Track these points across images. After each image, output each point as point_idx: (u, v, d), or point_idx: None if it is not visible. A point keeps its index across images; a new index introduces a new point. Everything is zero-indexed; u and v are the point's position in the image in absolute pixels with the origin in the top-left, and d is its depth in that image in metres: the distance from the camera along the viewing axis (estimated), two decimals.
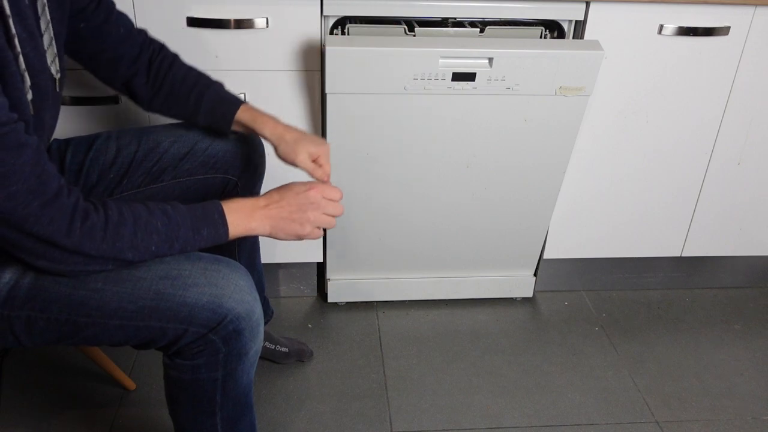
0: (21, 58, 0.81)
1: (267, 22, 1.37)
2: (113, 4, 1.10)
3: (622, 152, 1.61)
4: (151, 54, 1.14)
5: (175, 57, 1.17)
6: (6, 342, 0.91)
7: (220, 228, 0.93)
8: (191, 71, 1.17)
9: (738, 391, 1.55)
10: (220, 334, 0.91)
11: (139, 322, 0.89)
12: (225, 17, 1.35)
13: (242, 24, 1.36)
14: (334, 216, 1.01)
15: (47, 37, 0.90)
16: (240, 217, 0.95)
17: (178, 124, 1.22)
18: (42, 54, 0.88)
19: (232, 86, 1.42)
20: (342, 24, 1.42)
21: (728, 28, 1.46)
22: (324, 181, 1.12)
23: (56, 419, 1.38)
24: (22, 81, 0.82)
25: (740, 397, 1.54)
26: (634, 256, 1.80)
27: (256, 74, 1.43)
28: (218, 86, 1.18)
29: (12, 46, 0.80)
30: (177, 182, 1.20)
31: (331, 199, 1.00)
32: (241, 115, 1.17)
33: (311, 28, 1.39)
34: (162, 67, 1.14)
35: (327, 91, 1.36)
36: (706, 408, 1.50)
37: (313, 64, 1.43)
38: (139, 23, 1.34)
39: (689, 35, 1.46)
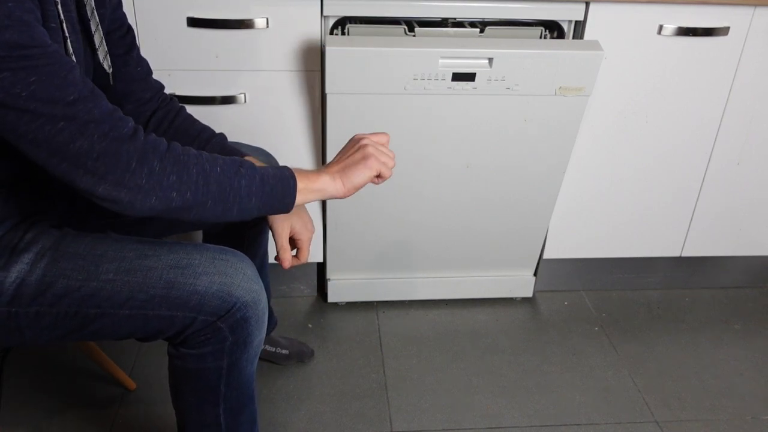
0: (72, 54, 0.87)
1: (267, 22, 1.37)
2: (136, 42, 1.11)
3: (622, 152, 1.61)
4: (159, 103, 1.14)
5: (181, 108, 1.16)
6: (12, 340, 0.92)
7: (291, 183, 0.91)
8: (196, 123, 1.16)
9: (738, 391, 1.55)
10: (228, 321, 0.92)
11: (149, 311, 0.90)
12: (225, 17, 1.35)
13: (242, 24, 1.36)
14: (387, 164, 0.96)
15: (98, 37, 0.94)
16: (307, 177, 0.93)
17: None
18: (93, 51, 0.93)
19: (232, 86, 1.44)
20: (342, 24, 1.42)
21: (728, 28, 1.46)
22: (288, 262, 1.04)
23: (56, 419, 1.38)
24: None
25: (740, 397, 1.54)
26: (633, 256, 1.80)
27: (256, 74, 1.43)
28: (222, 137, 1.16)
29: (66, 48, 0.86)
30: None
31: (379, 143, 0.96)
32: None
33: (311, 28, 1.39)
34: (167, 117, 1.14)
35: (327, 91, 1.36)
36: (705, 408, 1.50)
37: (313, 64, 1.43)
38: (140, 23, 1.35)
39: (689, 35, 1.46)
